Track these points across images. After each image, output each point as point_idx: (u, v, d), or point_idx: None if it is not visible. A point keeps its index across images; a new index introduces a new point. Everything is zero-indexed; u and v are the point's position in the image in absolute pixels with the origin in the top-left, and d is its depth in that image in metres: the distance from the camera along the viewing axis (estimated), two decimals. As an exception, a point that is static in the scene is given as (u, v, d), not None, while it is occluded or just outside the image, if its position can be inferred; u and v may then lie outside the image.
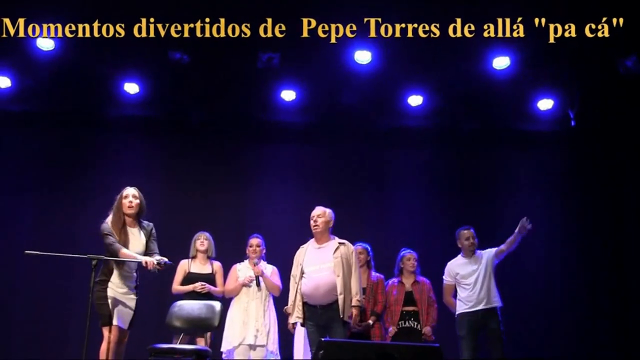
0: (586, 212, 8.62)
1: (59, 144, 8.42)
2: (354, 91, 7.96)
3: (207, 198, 8.48)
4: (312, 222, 6.00)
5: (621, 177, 8.50)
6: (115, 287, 5.54)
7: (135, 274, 5.69)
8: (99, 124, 8.46)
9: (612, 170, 8.58)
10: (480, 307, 6.62)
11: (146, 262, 5.42)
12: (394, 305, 6.84)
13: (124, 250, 5.50)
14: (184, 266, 6.87)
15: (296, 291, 5.90)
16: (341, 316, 5.66)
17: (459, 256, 6.90)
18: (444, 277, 6.91)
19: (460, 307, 6.72)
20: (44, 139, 8.41)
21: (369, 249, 6.95)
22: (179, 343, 5.91)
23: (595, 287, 8.39)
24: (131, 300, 5.63)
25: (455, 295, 6.88)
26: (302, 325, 5.97)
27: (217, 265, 6.96)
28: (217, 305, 6.04)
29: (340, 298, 5.68)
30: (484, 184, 8.67)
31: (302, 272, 5.88)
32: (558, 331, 8.24)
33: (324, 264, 5.82)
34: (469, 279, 6.71)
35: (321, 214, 6.01)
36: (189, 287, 6.71)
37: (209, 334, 6.52)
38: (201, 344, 6.46)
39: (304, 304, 5.83)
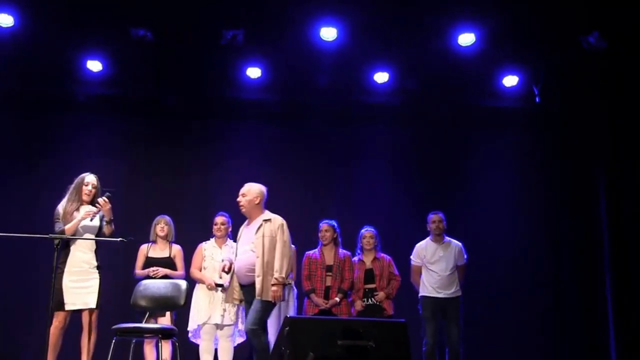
0: (553, 191, 8.67)
1: (21, 125, 8.24)
2: (320, 68, 7.90)
3: (172, 178, 8.37)
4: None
5: (588, 153, 8.48)
6: (73, 268, 5.69)
7: (93, 253, 5.83)
8: (62, 104, 8.28)
9: (579, 147, 8.59)
10: (443, 294, 6.88)
11: (96, 209, 5.71)
12: (356, 283, 6.91)
13: (68, 226, 5.65)
14: (144, 250, 6.88)
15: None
16: (258, 297, 5.52)
17: (428, 239, 7.11)
18: (411, 257, 7.11)
19: (424, 291, 6.98)
20: (5, 118, 8.22)
21: (336, 226, 6.98)
22: (145, 322, 5.87)
23: (563, 267, 8.46)
24: (92, 279, 5.77)
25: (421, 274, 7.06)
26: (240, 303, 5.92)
27: (176, 248, 6.92)
28: (183, 284, 6.00)
29: (258, 280, 5.53)
30: (450, 161, 8.70)
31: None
32: (524, 315, 8.32)
33: (247, 244, 5.69)
34: (435, 264, 6.94)
35: (245, 193, 5.81)
36: (145, 272, 6.73)
37: (168, 313, 6.49)
38: (162, 323, 6.41)
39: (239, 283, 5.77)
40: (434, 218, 7.07)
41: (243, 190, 5.82)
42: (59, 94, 8.22)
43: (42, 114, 8.29)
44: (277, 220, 5.71)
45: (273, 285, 5.52)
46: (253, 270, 5.59)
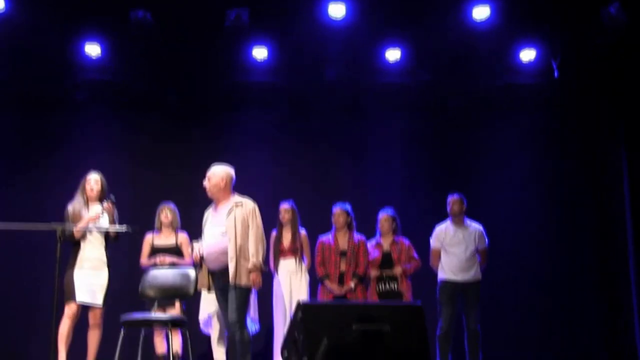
0: (571, 171, 8.41)
1: (19, 115, 8.07)
2: (328, 47, 7.67)
3: (178, 167, 8.17)
4: None
5: (609, 130, 8.26)
6: (84, 264, 5.84)
7: (103, 249, 5.98)
8: (61, 93, 8.06)
9: (599, 124, 8.37)
10: (463, 278, 6.70)
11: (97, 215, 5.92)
12: (372, 264, 6.73)
13: (75, 229, 5.81)
14: (149, 239, 6.74)
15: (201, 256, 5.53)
16: (232, 283, 5.28)
17: (448, 221, 6.90)
18: (431, 240, 6.91)
19: (442, 274, 6.79)
20: (1, 110, 8.06)
21: (350, 210, 6.80)
22: (154, 312, 5.76)
23: (583, 249, 8.21)
24: (101, 276, 5.92)
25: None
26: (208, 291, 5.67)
27: (182, 236, 6.77)
28: (192, 272, 5.84)
29: (231, 265, 5.28)
30: (465, 141, 8.45)
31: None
32: (543, 299, 8.09)
33: (217, 228, 5.45)
34: (455, 247, 6.75)
35: (210, 176, 5.55)
36: (151, 261, 6.59)
37: (177, 304, 6.34)
38: (171, 313, 6.27)
39: (207, 268, 5.51)
40: (455, 199, 6.84)
41: (208, 173, 5.59)
42: (56, 82, 7.99)
43: (42, 107, 8.10)
44: (249, 203, 5.50)
45: (251, 272, 5.33)
46: (225, 255, 5.34)
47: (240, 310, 5.32)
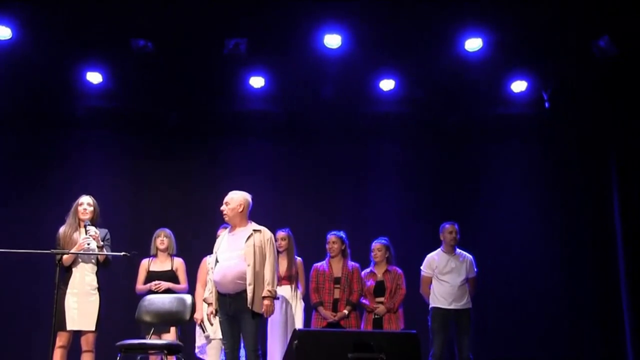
0: (567, 199, 8.52)
1: (21, 140, 8.13)
2: (324, 76, 7.78)
3: (175, 192, 8.25)
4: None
5: (600, 160, 8.38)
6: (74, 290, 5.70)
7: (94, 274, 5.82)
8: (63, 118, 8.17)
9: (591, 154, 8.48)
10: (454, 306, 6.73)
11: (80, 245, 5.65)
12: (367, 294, 6.78)
13: (65, 257, 5.58)
14: (145, 265, 6.78)
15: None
16: (250, 307, 5.36)
17: (439, 250, 6.94)
18: (422, 267, 6.93)
19: (434, 302, 6.81)
20: (5, 135, 8.11)
21: (344, 237, 6.83)
22: (150, 338, 5.77)
23: (578, 279, 8.28)
24: (92, 301, 5.75)
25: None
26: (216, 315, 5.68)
27: (177, 261, 6.82)
28: (188, 298, 5.92)
29: (250, 289, 5.36)
30: (459, 169, 8.54)
31: (217, 260, 5.62)
32: (537, 325, 8.15)
33: (234, 252, 5.50)
34: (447, 275, 6.78)
35: (228, 201, 5.64)
36: (147, 287, 6.62)
37: (173, 329, 6.34)
38: (166, 339, 6.27)
39: (217, 292, 5.57)
40: (450, 228, 6.87)
41: (226, 198, 5.67)
42: (58, 108, 8.12)
43: (43, 129, 8.19)
44: (267, 232, 5.62)
45: (265, 298, 5.40)
46: (242, 279, 5.41)
47: (257, 336, 5.41)
